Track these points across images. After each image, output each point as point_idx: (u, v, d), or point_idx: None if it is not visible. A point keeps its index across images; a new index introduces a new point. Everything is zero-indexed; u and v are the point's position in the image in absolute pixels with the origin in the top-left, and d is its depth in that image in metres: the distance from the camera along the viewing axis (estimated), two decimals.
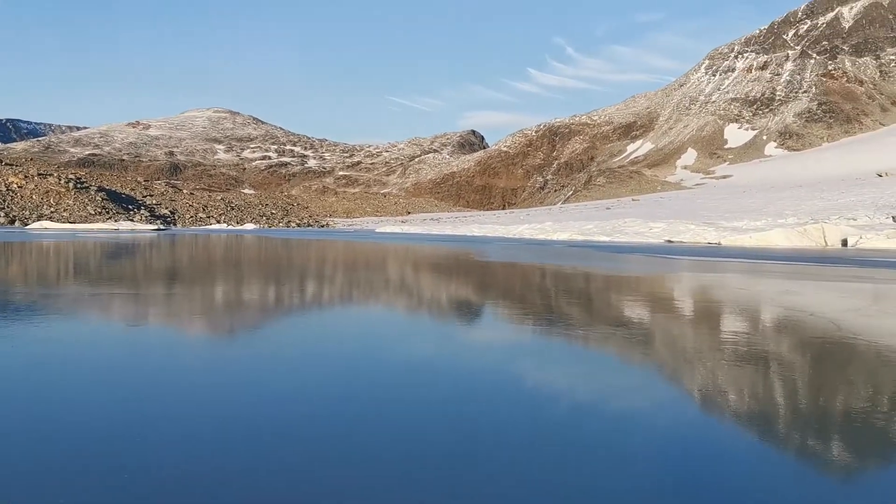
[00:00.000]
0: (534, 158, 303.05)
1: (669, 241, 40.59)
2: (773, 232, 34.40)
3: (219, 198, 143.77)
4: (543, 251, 30.05)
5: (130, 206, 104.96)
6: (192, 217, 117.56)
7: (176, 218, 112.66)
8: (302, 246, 35.06)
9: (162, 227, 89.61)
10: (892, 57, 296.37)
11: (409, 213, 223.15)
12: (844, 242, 32.95)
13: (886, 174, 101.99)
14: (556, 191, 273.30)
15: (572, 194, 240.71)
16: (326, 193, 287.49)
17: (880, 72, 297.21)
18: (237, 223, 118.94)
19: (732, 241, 34.58)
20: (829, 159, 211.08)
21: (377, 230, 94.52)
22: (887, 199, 69.48)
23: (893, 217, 45.47)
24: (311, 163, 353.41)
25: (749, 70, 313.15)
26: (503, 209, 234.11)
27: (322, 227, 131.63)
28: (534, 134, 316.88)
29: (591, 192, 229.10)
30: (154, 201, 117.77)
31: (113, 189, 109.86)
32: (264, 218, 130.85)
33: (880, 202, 66.68)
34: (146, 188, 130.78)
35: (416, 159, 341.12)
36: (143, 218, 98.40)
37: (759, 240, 33.56)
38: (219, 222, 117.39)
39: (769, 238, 33.52)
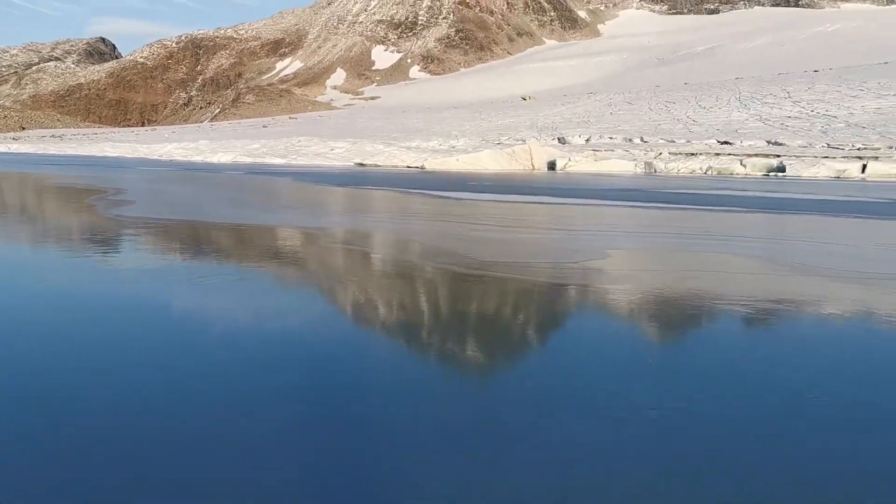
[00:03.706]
0: (176, 72, 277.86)
1: (361, 164, 35.24)
2: (483, 154, 30.80)
3: None
4: (221, 181, 22.77)
5: None
6: None
7: None
8: None
9: None
10: None
11: (24, 128, 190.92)
12: (552, 165, 30.39)
13: (531, 97, 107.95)
14: (201, 108, 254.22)
15: (220, 112, 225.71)
16: None
17: (507, 3, 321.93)
18: None
19: (438, 165, 30.32)
20: (469, 84, 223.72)
21: None
22: (543, 120, 71.97)
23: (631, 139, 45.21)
24: None
25: None
26: (142, 126, 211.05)
27: None
28: (175, 45, 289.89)
29: (240, 111, 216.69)
30: None
31: None
32: None
33: (539, 123, 68.67)
34: None
35: (34, 67, 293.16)
36: None
37: (468, 163, 29.68)
38: None
39: (479, 160, 29.80)
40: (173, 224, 9.42)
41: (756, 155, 29.73)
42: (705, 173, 26.76)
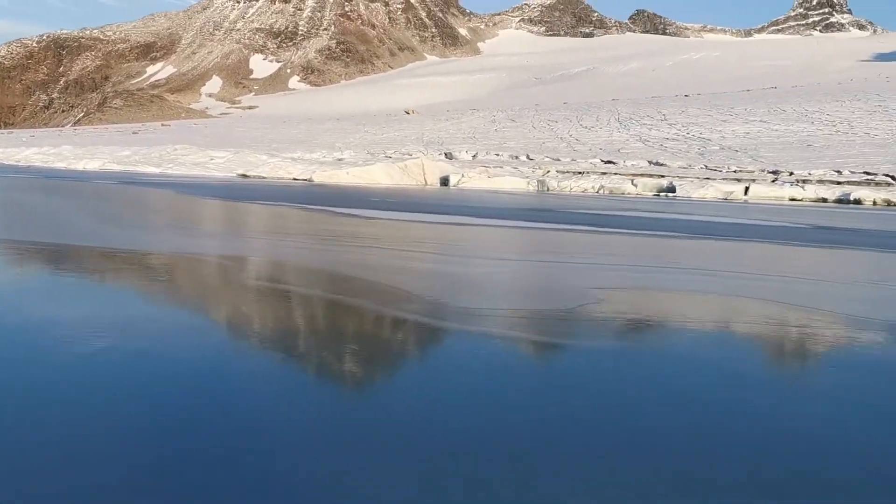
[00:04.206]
0: (36, 73, 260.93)
1: (244, 176, 33.43)
2: (374, 167, 29.70)
3: None
4: (91, 192, 20.77)
5: None
6: None
7: None
8: None
9: None
10: (399, 5, 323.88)
11: None
12: (444, 181, 29.76)
13: (414, 111, 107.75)
14: (63, 111, 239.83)
15: (84, 116, 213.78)
16: None
17: (389, 18, 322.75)
18: None
19: (328, 178, 29.00)
20: (350, 96, 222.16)
21: None
22: (429, 134, 71.60)
23: (528, 156, 44.96)
24: None
25: (273, 2, 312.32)
26: None
27: None
28: (35, 45, 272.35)
29: (106, 115, 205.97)
30: None
31: None
32: None
33: (425, 138, 68.26)
34: None
35: None
36: None
37: (358, 176, 28.54)
38: None
39: (371, 174, 28.72)
40: (35, 249, 7.58)
41: (646, 175, 30.22)
42: (597, 192, 26.83)
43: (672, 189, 25.27)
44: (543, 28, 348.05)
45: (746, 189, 24.74)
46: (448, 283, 6.27)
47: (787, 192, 24.17)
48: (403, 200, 19.42)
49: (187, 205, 15.72)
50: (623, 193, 26.37)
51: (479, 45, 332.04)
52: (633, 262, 8.22)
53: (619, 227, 12.73)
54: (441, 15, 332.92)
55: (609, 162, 44.16)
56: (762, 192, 24.37)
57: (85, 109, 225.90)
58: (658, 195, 25.48)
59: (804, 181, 28.11)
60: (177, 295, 5.45)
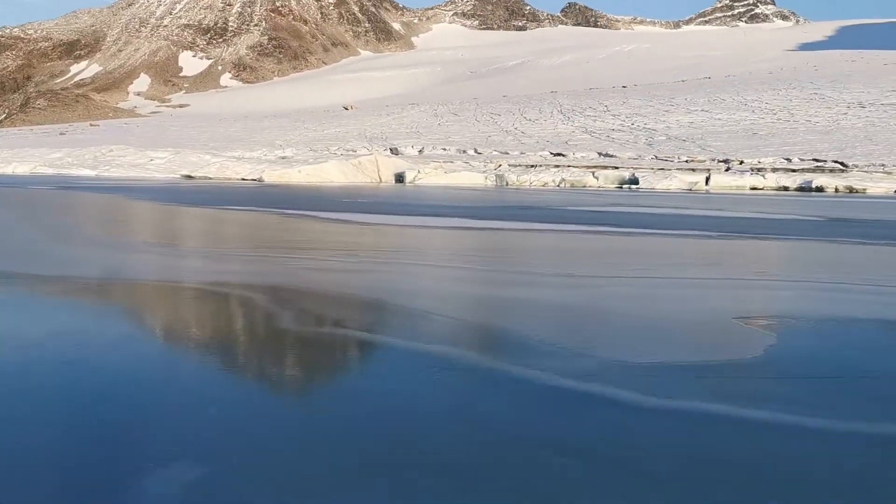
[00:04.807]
0: None
1: (189, 177, 32.05)
2: (328, 165, 28.74)
3: None
4: (28, 200, 19.50)
5: None
6: None
7: None
8: None
9: None
10: (331, 0, 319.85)
11: None
12: (399, 177, 28.99)
13: (353, 107, 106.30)
14: None
15: (6, 118, 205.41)
16: None
17: (321, 13, 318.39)
18: None
19: (279, 177, 27.92)
20: (284, 92, 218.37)
21: None
22: (371, 129, 70.53)
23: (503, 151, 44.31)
24: None
25: None
26: None
27: None
28: None
29: (30, 117, 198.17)
30: None
31: None
32: None
33: (367, 133, 67.17)
34: None
35: None
36: None
37: (311, 174, 27.55)
38: None
39: (325, 172, 27.76)
40: None
41: (601, 167, 30.01)
42: (558, 185, 26.48)
43: (635, 181, 25.06)
44: (477, 22, 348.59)
45: (707, 179, 24.69)
46: (560, 321, 4.60)
47: (748, 181, 24.21)
48: (374, 201, 18.63)
49: (147, 213, 14.61)
50: (584, 186, 26.08)
51: (413, 39, 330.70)
52: (734, 275, 6.60)
53: (634, 227, 11.57)
54: (374, 10, 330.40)
55: (559, 154, 44.04)
56: (723, 181, 24.36)
57: (7, 111, 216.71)
58: (620, 187, 25.26)
59: (759, 170, 28.29)
60: (211, 345, 4.61)
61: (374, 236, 10.25)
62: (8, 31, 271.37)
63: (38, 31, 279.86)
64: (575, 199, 18.59)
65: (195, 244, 9.30)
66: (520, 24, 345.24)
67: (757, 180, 24.01)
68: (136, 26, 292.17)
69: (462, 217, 13.29)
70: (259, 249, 8.36)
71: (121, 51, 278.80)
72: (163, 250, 8.24)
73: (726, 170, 29.14)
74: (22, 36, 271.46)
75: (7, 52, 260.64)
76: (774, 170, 27.91)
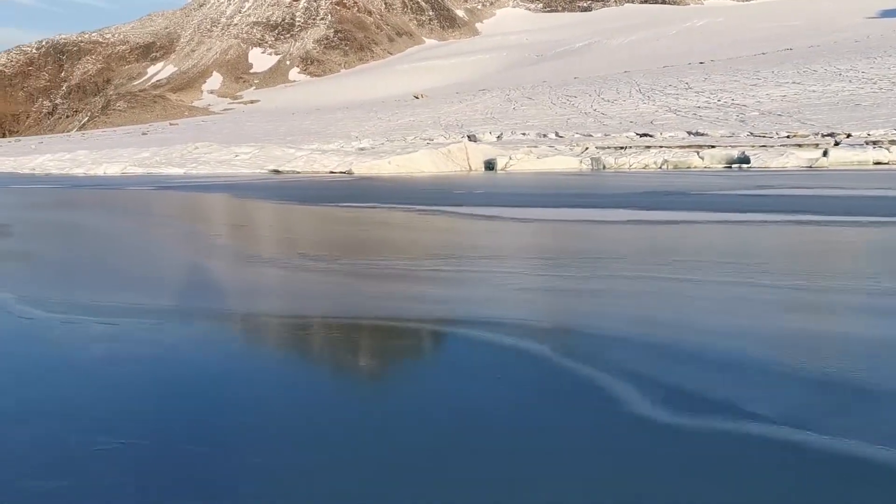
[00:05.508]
0: (38, 80, 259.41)
1: (277, 171, 32.03)
2: (417, 155, 28.17)
3: None
4: (142, 206, 19.46)
5: None
6: None
7: None
8: None
9: None
10: None
11: None
12: (489, 165, 28.15)
13: (424, 95, 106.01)
14: (68, 117, 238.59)
15: (89, 120, 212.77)
16: None
17: (385, 4, 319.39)
18: None
19: (369, 169, 27.55)
20: (352, 84, 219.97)
21: None
22: (445, 117, 70.01)
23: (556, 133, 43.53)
24: None
25: None
26: (3, 137, 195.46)
27: None
28: (35, 51, 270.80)
29: (111, 118, 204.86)
30: None
31: None
32: None
33: (442, 121, 66.68)
34: None
35: None
36: None
37: (401, 165, 27.06)
38: None
39: (415, 162, 27.22)
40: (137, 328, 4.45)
41: (704, 146, 28.60)
42: (661, 167, 25.30)
43: (746, 160, 23.71)
44: (541, 5, 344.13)
45: (825, 153, 23.14)
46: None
47: (871, 154, 22.57)
48: (484, 191, 17.95)
49: (270, 215, 14.25)
50: (689, 167, 24.84)
51: (477, 25, 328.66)
52: None
53: (834, 215, 9.98)
54: None
55: (645, 135, 42.53)
56: (843, 156, 22.78)
57: (89, 113, 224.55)
58: (730, 167, 23.93)
59: (874, 142, 26.51)
60: None
61: (531, 236, 9.54)
62: (87, 36, 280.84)
63: (116, 35, 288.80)
64: (703, 183, 17.41)
65: (353, 256, 8.78)
66: (585, 4, 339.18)
67: (881, 154, 22.38)
68: (208, 26, 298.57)
69: (601, 208, 12.47)
70: (429, 259, 7.77)
71: (194, 51, 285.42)
72: (338, 266, 7.72)
73: (835, 144, 27.41)
74: (100, 41, 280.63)
75: (87, 57, 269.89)
76: (892, 142, 26.11)
